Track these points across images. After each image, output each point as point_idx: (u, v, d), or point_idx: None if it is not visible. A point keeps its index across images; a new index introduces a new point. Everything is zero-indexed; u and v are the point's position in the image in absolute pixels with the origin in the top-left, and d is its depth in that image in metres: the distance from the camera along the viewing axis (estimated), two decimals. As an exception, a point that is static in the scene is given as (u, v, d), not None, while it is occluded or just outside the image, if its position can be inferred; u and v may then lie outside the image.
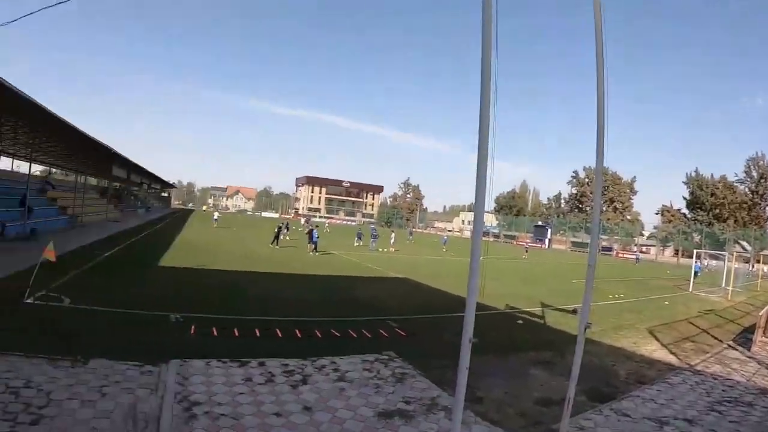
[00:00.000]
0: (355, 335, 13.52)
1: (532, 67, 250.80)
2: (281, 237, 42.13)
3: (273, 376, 9.58)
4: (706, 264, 68.38)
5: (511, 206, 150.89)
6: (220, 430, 7.12)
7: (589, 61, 7.29)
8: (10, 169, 44.91)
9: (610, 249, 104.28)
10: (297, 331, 13.22)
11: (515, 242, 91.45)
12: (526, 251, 65.85)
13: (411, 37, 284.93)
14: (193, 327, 12.76)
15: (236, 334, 12.56)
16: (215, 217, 69.11)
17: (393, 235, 54.94)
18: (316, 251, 38.01)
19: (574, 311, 19.55)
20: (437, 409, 8.56)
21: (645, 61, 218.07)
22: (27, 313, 12.42)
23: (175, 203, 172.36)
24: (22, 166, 44.35)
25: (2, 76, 17.47)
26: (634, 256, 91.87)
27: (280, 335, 12.82)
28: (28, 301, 13.57)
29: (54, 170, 60.93)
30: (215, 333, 12.48)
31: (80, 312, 12.87)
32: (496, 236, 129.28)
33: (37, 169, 56.43)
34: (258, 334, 12.73)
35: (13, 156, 43.22)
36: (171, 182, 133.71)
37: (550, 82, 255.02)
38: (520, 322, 17.74)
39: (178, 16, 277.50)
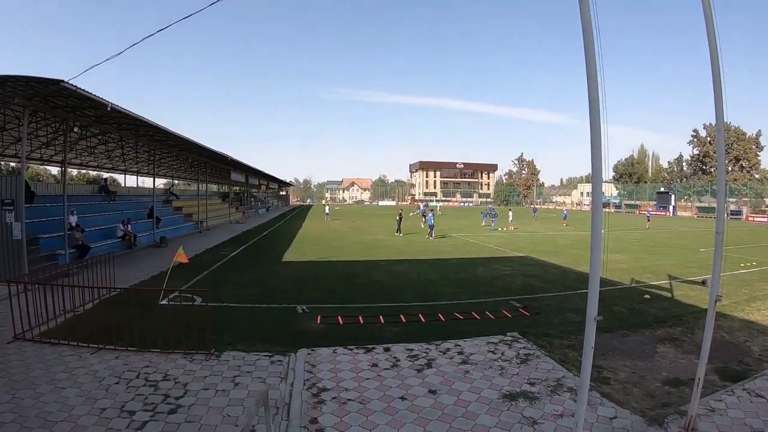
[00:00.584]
0: (478, 317, 13.50)
1: (637, 23, 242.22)
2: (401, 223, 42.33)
3: (398, 360, 9.78)
4: None
5: (631, 174, 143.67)
6: (347, 414, 7.36)
7: (699, 16, 6.96)
8: (136, 185, 47.90)
9: (739, 212, 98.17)
10: (421, 316, 13.37)
11: (637, 212, 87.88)
12: (648, 220, 63.20)
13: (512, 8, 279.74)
14: (318, 317, 13.20)
15: (361, 321, 12.88)
16: (327, 211, 69.61)
17: (511, 213, 54.06)
18: (432, 235, 38.22)
19: (704, 282, 18.72)
20: (562, 390, 8.44)
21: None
22: (162, 314, 13.11)
23: (294, 200, 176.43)
24: (146, 181, 47.33)
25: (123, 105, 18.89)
26: (740, 217, 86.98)
27: (404, 321, 13.00)
28: (163, 302, 14.42)
29: (176, 181, 63.96)
30: (341, 321, 12.84)
31: (211, 310, 13.49)
32: (617, 206, 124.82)
33: (160, 182, 59.30)
34: (382, 320, 12.98)
35: (138, 173, 46.23)
36: (288, 180, 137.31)
37: (656, 38, 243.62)
38: (647, 296, 17.09)
39: (276, 16, 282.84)
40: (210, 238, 35.94)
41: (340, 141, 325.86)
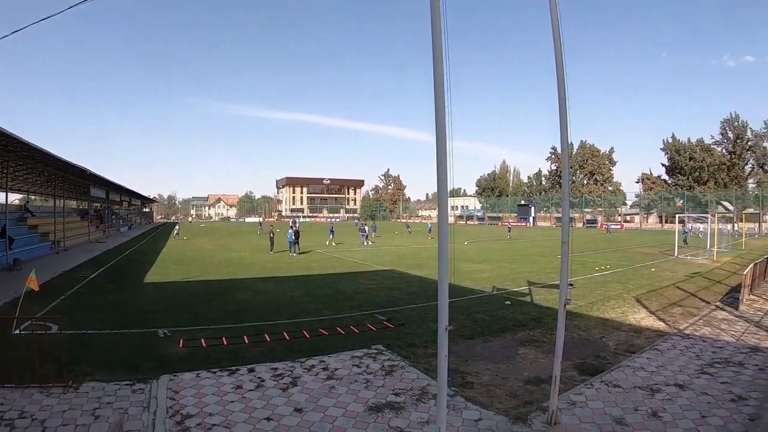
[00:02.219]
0: (343, 332, 13.56)
1: (493, 49, 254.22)
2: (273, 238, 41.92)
3: (263, 381, 9.66)
4: (690, 227, 69.31)
5: (493, 188, 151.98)
6: (213, 440, 7.21)
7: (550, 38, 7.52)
8: None
9: (594, 221, 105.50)
10: (285, 334, 13.26)
11: (500, 223, 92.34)
12: (509, 231, 66.31)
13: (375, 27, 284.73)
14: (181, 340, 12.76)
15: (225, 342, 12.58)
16: (176, 231, 65.59)
17: (366, 228, 54.88)
18: (292, 252, 38.36)
19: (570, 285, 19.79)
20: (427, 398, 8.64)
21: (609, 36, 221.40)
22: (15, 344, 12.33)
23: (158, 218, 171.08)
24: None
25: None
26: (605, 227, 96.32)
27: (268, 339, 12.83)
28: (16, 332, 13.52)
29: (32, 197, 60.48)
30: (204, 344, 12.48)
31: (68, 338, 12.80)
32: (481, 219, 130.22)
33: (14, 197, 55.98)
34: (247, 340, 12.74)
35: None
36: (152, 197, 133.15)
37: (515, 62, 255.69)
38: (508, 302, 17.84)
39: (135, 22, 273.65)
40: (68, 259, 34.06)
41: (205, 156, 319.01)
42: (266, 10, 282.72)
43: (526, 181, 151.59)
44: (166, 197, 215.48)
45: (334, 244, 49.31)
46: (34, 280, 14.80)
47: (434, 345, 11.58)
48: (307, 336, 13.16)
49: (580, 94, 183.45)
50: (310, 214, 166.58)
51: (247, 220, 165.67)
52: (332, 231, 54.05)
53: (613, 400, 8.64)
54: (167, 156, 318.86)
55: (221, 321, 15.09)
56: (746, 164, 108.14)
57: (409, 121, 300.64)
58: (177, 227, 68.80)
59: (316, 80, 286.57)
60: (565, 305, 7.78)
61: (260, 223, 68.88)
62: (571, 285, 19.76)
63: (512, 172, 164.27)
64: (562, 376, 8.64)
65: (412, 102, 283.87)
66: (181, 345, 12.45)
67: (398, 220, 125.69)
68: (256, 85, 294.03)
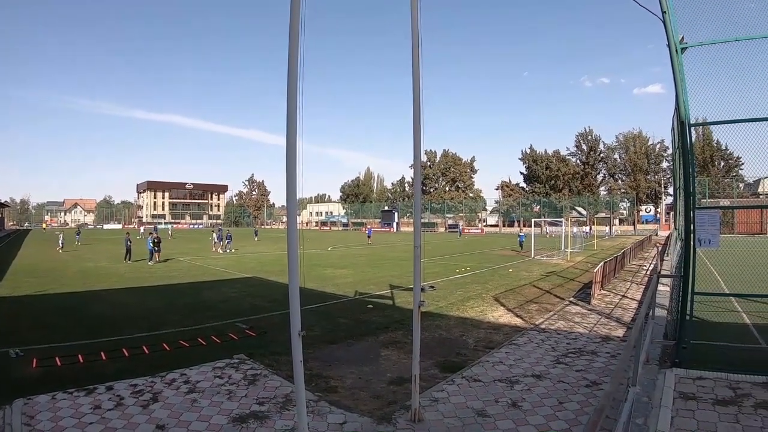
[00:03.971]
0: (204, 343, 13.38)
1: (358, 57, 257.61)
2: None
3: (122, 399, 9.35)
4: (547, 230, 73.43)
5: (357, 194, 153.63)
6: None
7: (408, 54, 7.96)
8: None
9: (456, 226, 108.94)
10: (144, 348, 12.87)
11: (363, 229, 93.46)
12: (369, 237, 67.28)
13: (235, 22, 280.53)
14: (34, 360, 12.04)
15: (81, 360, 12.02)
16: (60, 241, 53.48)
17: (214, 235, 53.14)
18: (151, 260, 37.25)
19: (432, 287, 20.38)
20: (291, 405, 8.68)
21: (474, 50, 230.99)
22: None
23: (10, 224, 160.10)
24: None
25: None
26: (457, 231, 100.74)
27: (127, 355, 12.41)
28: None
29: None
30: (59, 363, 11.85)
31: None
32: (345, 225, 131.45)
33: None
34: (104, 357, 12.26)
35: None
36: (2, 201, 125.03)
37: (381, 73, 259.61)
38: (370, 306, 18.20)
39: None
40: None
41: (59, 158, 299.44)
42: (132, 5, 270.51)
43: (390, 187, 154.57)
44: (18, 201, 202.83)
45: (224, 251, 48.25)
46: None
47: (295, 355, 11.77)
48: (168, 348, 12.84)
49: (446, 106, 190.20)
50: (173, 220, 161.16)
51: (106, 226, 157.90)
52: (226, 237, 51.44)
53: (475, 394, 9.09)
54: (18, 156, 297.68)
55: (77, 337, 14.35)
56: (598, 173, 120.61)
57: (274, 126, 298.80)
58: (62, 236, 59.42)
59: (177, 80, 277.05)
60: (419, 306, 8.15)
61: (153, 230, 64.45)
62: (432, 287, 20.36)
63: (376, 178, 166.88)
64: (424, 375, 9.06)
65: (275, 105, 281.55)
66: (34, 365, 11.76)
67: (262, 227, 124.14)
68: (114, 81, 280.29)
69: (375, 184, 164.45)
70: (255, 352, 12.09)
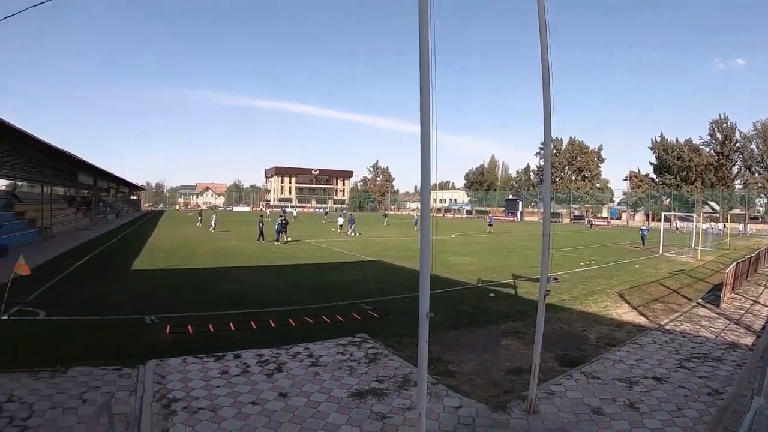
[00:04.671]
0: (328, 321, 13.72)
1: (484, 43, 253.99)
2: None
3: (248, 366, 9.85)
4: (677, 225, 69.92)
5: (481, 182, 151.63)
6: (199, 423, 7.38)
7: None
8: None
9: (581, 217, 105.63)
10: (271, 322, 13.42)
11: (486, 217, 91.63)
12: (490, 225, 66.07)
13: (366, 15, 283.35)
14: (168, 327, 12.90)
15: (211, 329, 12.74)
16: (213, 222, 55.90)
17: (340, 219, 55.28)
18: (278, 241, 38.58)
19: (555, 279, 19.98)
20: (410, 385, 8.82)
21: (601, 35, 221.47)
22: (3, 330, 12.51)
23: (146, 205, 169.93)
24: None
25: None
26: (582, 222, 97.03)
27: (254, 327, 12.99)
28: (3, 317, 13.63)
29: (20, 183, 59.98)
30: (191, 330, 12.65)
31: (56, 323, 12.93)
32: (469, 212, 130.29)
33: (1, 183, 55.61)
34: (233, 327, 12.90)
35: None
36: (140, 185, 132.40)
37: (507, 57, 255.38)
38: (492, 294, 18.02)
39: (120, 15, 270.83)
40: (55, 246, 33.91)
41: (193, 145, 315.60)
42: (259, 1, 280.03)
43: (515, 175, 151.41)
44: (154, 185, 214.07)
45: (351, 233, 49.26)
46: (23, 266, 14.87)
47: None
48: (293, 324, 13.32)
49: (572, 91, 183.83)
50: (299, 204, 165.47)
51: (235, 209, 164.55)
52: (350, 220, 52.97)
53: (592, 390, 8.84)
54: (156, 144, 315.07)
55: (208, 308, 15.17)
56: (733, 165, 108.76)
57: (400, 112, 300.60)
58: (200, 216, 64.84)
59: (307, 70, 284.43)
60: (545, 296, 7.97)
61: (283, 212, 66.80)
62: (555, 279, 19.98)
63: (501, 166, 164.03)
64: (542, 367, 8.88)
65: (402, 93, 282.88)
66: (168, 331, 12.58)
67: (384, 212, 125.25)
68: (247, 76, 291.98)
69: (499, 172, 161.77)
70: (377, 333, 12.32)
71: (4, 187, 56.45)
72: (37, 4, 9.12)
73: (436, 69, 5.67)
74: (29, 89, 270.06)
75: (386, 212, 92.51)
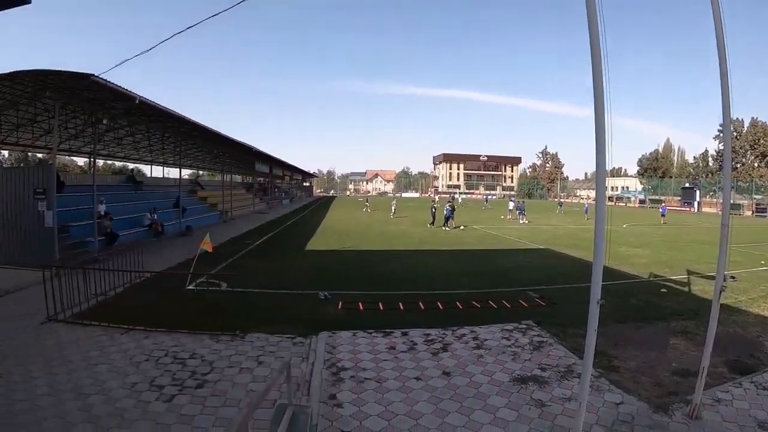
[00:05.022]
0: (495, 306, 13.74)
1: (654, 23, 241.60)
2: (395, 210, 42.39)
3: (415, 344, 10.21)
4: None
5: (656, 168, 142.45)
6: (364, 392, 7.82)
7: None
8: (162, 176, 48.96)
9: (765, 210, 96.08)
10: (439, 304, 13.69)
11: (661, 207, 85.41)
12: (663, 216, 62.15)
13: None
14: (340, 303, 13.62)
15: (381, 308, 13.26)
16: (393, 209, 58.68)
17: (511, 203, 54.80)
18: (447, 226, 38.78)
19: (732, 277, 18.81)
20: (572, 376, 8.74)
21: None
22: (189, 297, 13.71)
23: (317, 191, 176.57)
24: (172, 172, 48.50)
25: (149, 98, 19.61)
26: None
27: (423, 308, 13.34)
28: (190, 287, 14.96)
29: (201, 172, 64.60)
30: (361, 307, 13.27)
31: (236, 294, 13.94)
32: (642, 201, 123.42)
33: (185, 172, 60.08)
34: (402, 307, 13.33)
35: (164, 164, 47.30)
36: (312, 172, 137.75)
37: (680, 36, 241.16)
38: (664, 290, 17.22)
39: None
40: (234, 228, 36.48)
41: (362, 133, 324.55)
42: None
43: (692, 161, 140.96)
44: (325, 172, 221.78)
45: (522, 221, 48.53)
46: (208, 243, 16.19)
47: (584, 326, 11.57)
48: (460, 307, 13.51)
49: (754, 67, 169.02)
50: (467, 191, 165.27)
51: (404, 195, 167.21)
52: (518, 208, 52.30)
53: (761, 403, 8.16)
54: (328, 133, 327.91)
55: (379, 288, 15.77)
56: None
57: (569, 95, 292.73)
58: (367, 202, 69.88)
59: (472, 56, 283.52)
60: (720, 292, 7.56)
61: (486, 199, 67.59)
62: (733, 278, 18.76)
63: (676, 151, 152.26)
64: (711, 372, 8.42)
65: (570, 76, 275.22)
66: (339, 307, 13.31)
67: (554, 200, 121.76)
68: (415, 66, 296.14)
69: (675, 158, 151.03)
70: (543, 321, 12.20)
71: (187, 176, 61.05)
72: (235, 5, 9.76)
73: (607, 50, 5.57)
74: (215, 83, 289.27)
75: (561, 200, 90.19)
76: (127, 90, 18.14)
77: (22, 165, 55.64)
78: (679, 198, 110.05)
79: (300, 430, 4.98)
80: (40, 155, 40.49)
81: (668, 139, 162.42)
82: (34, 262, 15.44)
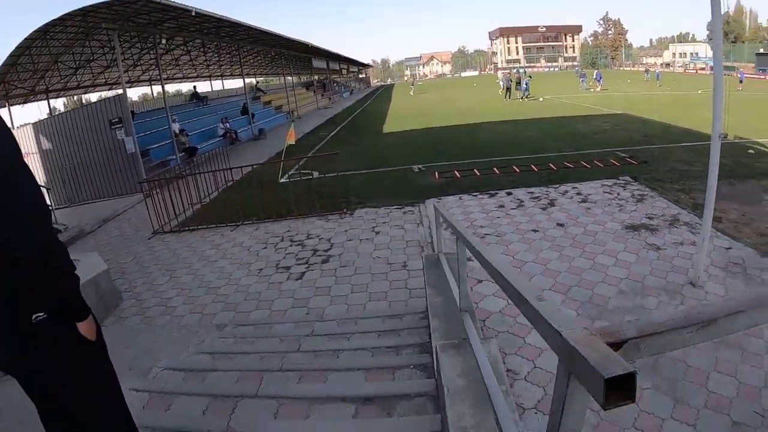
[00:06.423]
0: (588, 166, 13.98)
1: None
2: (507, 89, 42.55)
3: (522, 201, 10.65)
4: None
5: (726, 33, 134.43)
6: (489, 245, 8.21)
7: None
8: (222, 88, 49.71)
9: None
10: (533, 166, 14.08)
11: (734, 74, 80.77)
12: (741, 82, 59.31)
13: None
14: (436, 173, 14.16)
15: (477, 173, 13.73)
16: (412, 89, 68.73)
17: (583, 78, 53.17)
18: (521, 98, 39.16)
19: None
20: (679, 224, 8.97)
21: None
22: (286, 188, 14.31)
23: (375, 81, 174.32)
24: (230, 84, 50.08)
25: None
26: None
27: (517, 171, 13.75)
28: (283, 180, 15.58)
29: (258, 80, 64.86)
30: (458, 175, 13.75)
31: (331, 179, 14.41)
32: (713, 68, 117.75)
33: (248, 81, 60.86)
34: (497, 171, 13.78)
35: (221, 77, 48.15)
36: (367, 62, 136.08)
37: None
38: (752, 151, 17.05)
39: None
40: (305, 124, 36.83)
41: (413, 17, 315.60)
42: None
43: (766, 25, 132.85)
44: (380, 61, 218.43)
45: (597, 90, 47.47)
46: (292, 133, 16.58)
47: (680, 181, 11.79)
48: (554, 168, 13.85)
49: None
50: (527, 65, 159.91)
51: (463, 74, 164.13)
52: (596, 76, 50.75)
53: None
54: (380, 21, 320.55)
55: (468, 157, 16.25)
56: None
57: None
58: (412, 86, 75.65)
59: None
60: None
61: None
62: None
63: (748, 15, 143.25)
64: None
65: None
66: (436, 177, 13.81)
67: (621, 69, 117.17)
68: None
69: (747, 21, 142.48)
70: (638, 177, 12.35)
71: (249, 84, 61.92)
72: None
73: None
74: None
75: (648, 69, 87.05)
76: (181, 4, 18.43)
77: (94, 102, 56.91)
78: (754, 65, 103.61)
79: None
80: (101, 93, 41.29)
81: (739, 1, 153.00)
82: (125, 190, 16.49)
